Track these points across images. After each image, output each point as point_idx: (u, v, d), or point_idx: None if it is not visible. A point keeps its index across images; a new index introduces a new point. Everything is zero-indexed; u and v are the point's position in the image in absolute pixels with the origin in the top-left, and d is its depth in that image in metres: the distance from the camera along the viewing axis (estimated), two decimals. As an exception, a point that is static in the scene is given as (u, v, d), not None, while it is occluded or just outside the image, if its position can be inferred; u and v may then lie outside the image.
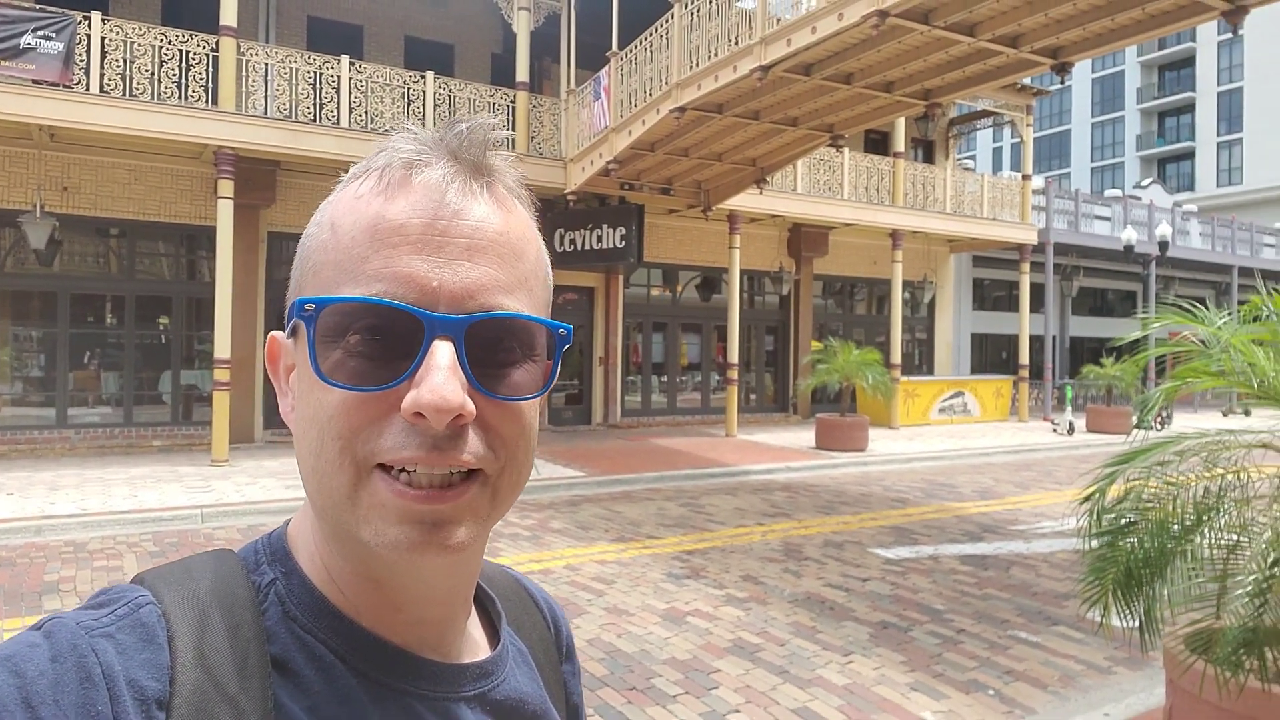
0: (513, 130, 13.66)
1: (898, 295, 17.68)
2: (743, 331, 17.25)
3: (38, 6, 10.47)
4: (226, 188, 11.04)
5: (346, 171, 0.60)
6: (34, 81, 10.14)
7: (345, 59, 12.38)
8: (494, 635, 0.68)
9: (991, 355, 24.56)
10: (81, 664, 0.48)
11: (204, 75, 11.34)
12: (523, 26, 13.53)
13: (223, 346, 10.92)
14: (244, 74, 11.71)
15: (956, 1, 8.47)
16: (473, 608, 0.67)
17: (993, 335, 24.46)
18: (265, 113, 11.84)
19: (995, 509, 9.46)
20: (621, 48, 12.51)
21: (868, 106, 11.58)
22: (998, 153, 58.29)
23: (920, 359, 21.67)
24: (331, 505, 0.54)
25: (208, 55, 11.33)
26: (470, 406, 0.52)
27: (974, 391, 19.52)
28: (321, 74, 12.26)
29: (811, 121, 12.15)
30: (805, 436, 15.07)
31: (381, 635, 0.58)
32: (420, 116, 12.91)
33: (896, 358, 17.30)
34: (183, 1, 13.04)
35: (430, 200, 0.54)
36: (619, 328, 16.77)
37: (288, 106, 11.97)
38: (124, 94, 10.80)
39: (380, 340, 0.52)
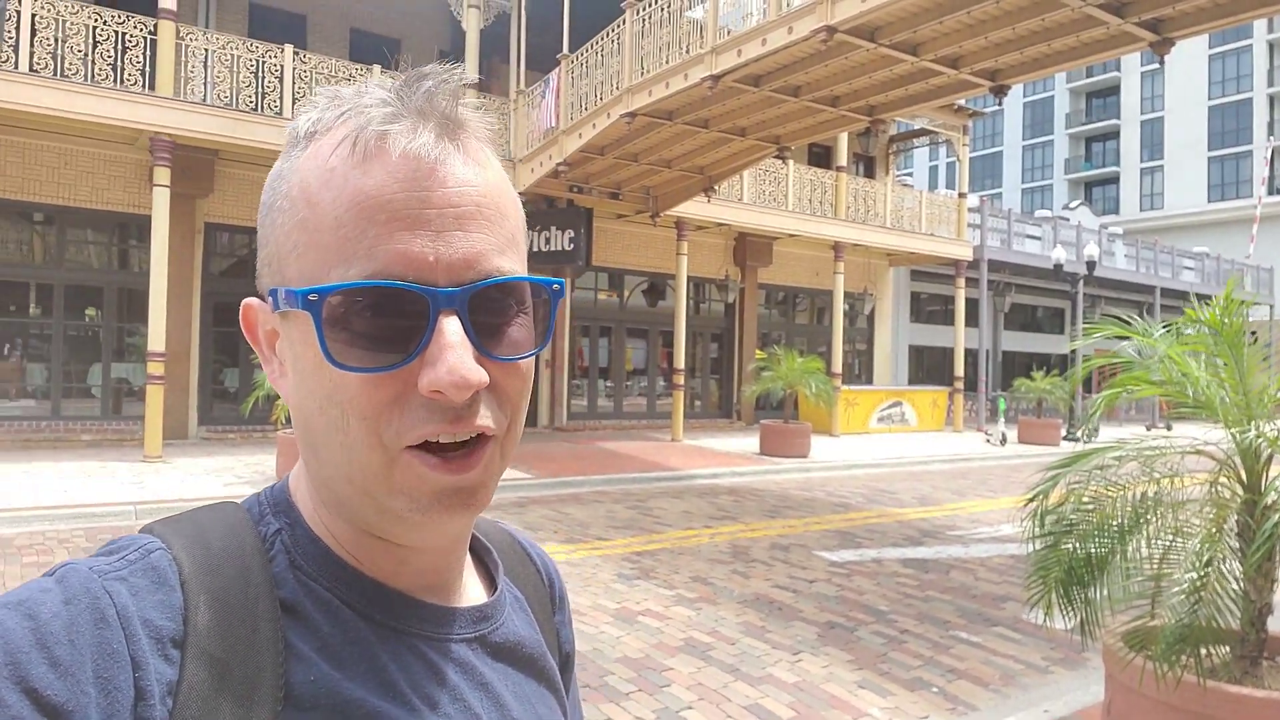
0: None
1: (839, 306, 18.04)
2: (689, 338, 17.37)
3: (-35, -20, 10.01)
4: (163, 175, 10.69)
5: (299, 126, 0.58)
6: (-41, 58, 9.71)
7: (289, 48, 12.12)
8: (491, 584, 0.70)
9: (928, 367, 25.21)
10: (95, 605, 0.48)
11: (141, 58, 10.98)
12: (472, 24, 13.42)
13: (156, 339, 10.57)
14: (183, 59, 11.38)
15: (901, 21, 8.70)
16: (469, 556, 0.69)
17: (929, 347, 25.11)
18: (205, 100, 11.52)
19: (934, 515, 9.69)
20: (572, 50, 12.51)
21: (814, 120, 11.80)
22: (934, 171, 59.93)
23: (860, 369, 22.12)
24: (363, 478, 0.55)
25: (145, 38, 10.97)
26: (485, 378, 0.53)
27: (911, 401, 19.99)
28: (264, 63, 11.99)
29: (759, 132, 12.33)
30: (749, 442, 15.23)
31: (385, 582, 0.60)
32: (367, 111, 12.70)
33: (838, 367, 17.63)
34: (120, -18, 12.63)
35: (409, 170, 0.54)
36: (565, 331, 16.74)
37: (228, 94, 11.66)
38: (55, 74, 10.39)
39: (386, 320, 0.53)
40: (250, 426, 13.38)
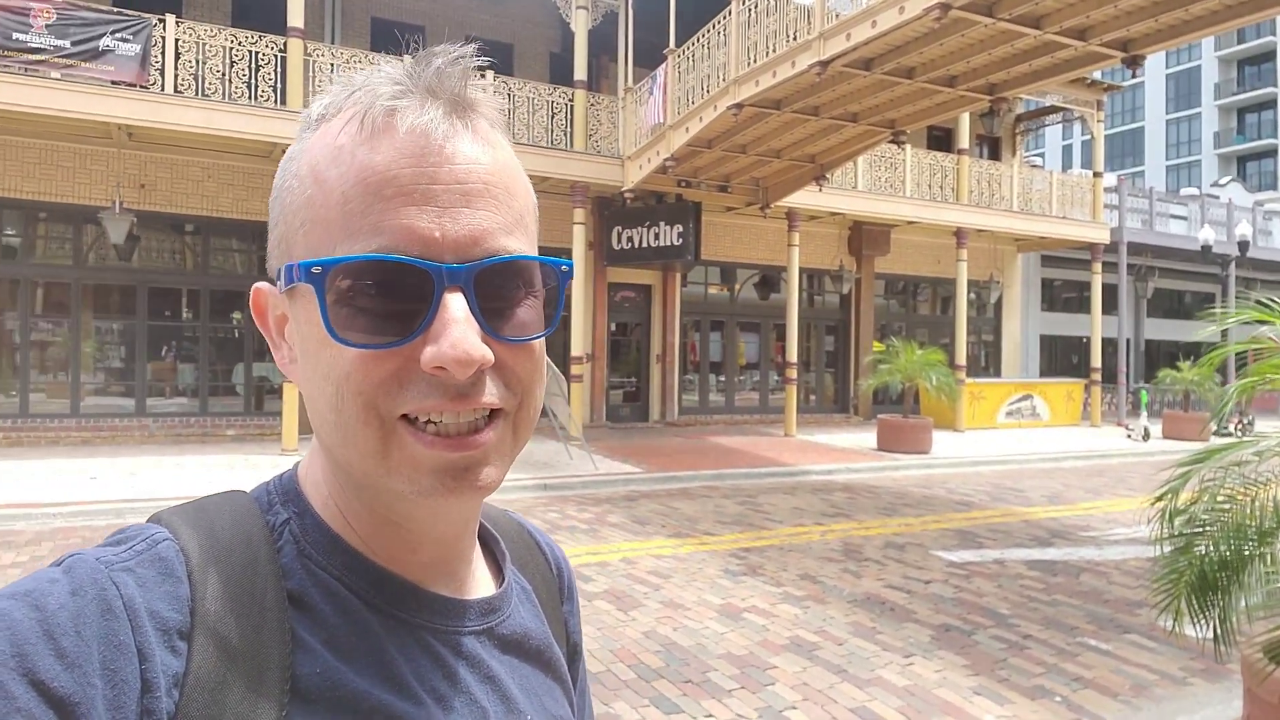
0: (571, 128, 13.74)
1: (963, 295, 17.29)
2: (802, 330, 17.06)
3: (115, 10, 10.87)
4: (294, 186, 11.30)
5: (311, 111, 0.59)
6: (112, 82, 10.54)
7: (408, 59, 12.54)
8: (499, 574, 0.70)
9: (1061, 358, 23.82)
10: (102, 596, 0.48)
11: (273, 76, 11.64)
12: (581, 26, 13.59)
13: (290, 341, 11.20)
14: (310, 74, 11.98)
15: (1023, -8, 8.25)
16: (478, 546, 0.69)
17: (1062, 337, 23.73)
18: (332, 113, 12.11)
19: (1065, 514, 9.18)
20: (678, 45, 12.48)
21: (930, 102, 11.35)
22: (1068, 150, 56.67)
23: (986, 361, 21.18)
24: (359, 458, 0.55)
25: (276, 56, 11.62)
26: (490, 355, 0.53)
27: (1043, 395, 18.99)
28: (386, 74, 12.48)
29: (872, 117, 11.95)
30: (866, 438, 14.84)
31: (395, 571, 0.60)
32: (481, 116, 13.06)
33: (962, 359, 16.92)
34: (252, 3, 13.42)
35: (416, 146, 0.53)
36: (676, 326, 16.75)
37: (353, 106, 12.22)
38: (197, 94, 11.15)
39: (390, 295, 0.52)
40: (377, 422, 14.00)
